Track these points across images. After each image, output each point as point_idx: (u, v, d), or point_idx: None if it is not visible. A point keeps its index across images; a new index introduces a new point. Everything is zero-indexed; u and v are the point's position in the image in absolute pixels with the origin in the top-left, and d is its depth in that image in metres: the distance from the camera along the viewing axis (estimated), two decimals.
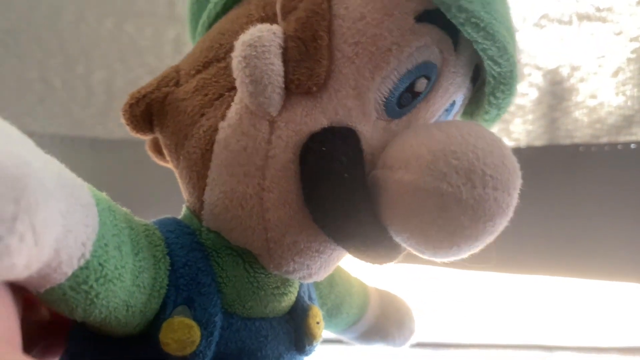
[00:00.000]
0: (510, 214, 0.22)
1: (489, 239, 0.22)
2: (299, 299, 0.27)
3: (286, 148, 0.22)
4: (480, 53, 0.23)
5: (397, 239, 0.23)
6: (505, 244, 0.54)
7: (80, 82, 0.57)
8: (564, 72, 0.50)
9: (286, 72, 0.22)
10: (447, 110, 0.26)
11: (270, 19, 0.24)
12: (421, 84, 0.23)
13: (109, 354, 0.22)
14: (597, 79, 0.49)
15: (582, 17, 0.48)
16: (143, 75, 0.56)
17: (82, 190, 0.18)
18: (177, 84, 0.25)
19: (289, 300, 0.26)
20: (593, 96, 0.49)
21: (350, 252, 0.24)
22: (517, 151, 0.51)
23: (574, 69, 0.50)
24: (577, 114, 0.50)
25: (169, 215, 0.26)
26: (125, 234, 0.21)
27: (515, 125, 0.52)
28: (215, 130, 0.23)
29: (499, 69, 0.24)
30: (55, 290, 0.17)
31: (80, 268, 0.18)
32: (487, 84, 0.25)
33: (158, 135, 0.26)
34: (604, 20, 0.48)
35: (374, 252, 0.24)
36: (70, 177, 0.18)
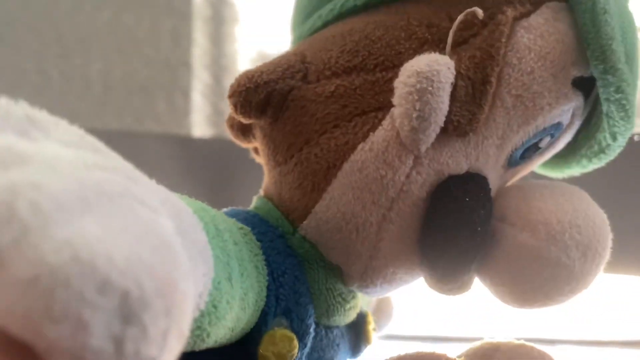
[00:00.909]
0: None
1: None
2: None
3: (422, 186, 0.22)
4: (605, 126, 0.24)
5: (486, 287, 0.24)
6: None
7: (77, 74, 0.56)
8: None
9: (448, 112, 0.21)
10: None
11: (435, 43, 0.23)
12: (545, 141, 0.24)
13: None
14: None
15: None
16: (140, 67, 0.56)
17: (197, 229, 0.17)
18: (305, 79, 0.24)
19: (357, 310, 0.27)
20: None
21: (431, 286, 0.24)
22: None
23: None
24: None
25: (239, 208, 0.25)
26: (232, 256, 0.19)
27: None
28: (353, 148, 0.22)
29: (611, 143, 0.25)
30: None
31: (194, 319, 0.16)
32: (588, 147, 0.26)
33: (264, 125, 0.25)
34: None
35: (454, 293, 0.24)
36: (187, 216, 0.16)
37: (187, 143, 0.54)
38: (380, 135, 0.22)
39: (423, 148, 0.21)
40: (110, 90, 0.56)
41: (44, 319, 0.10)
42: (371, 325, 0.28)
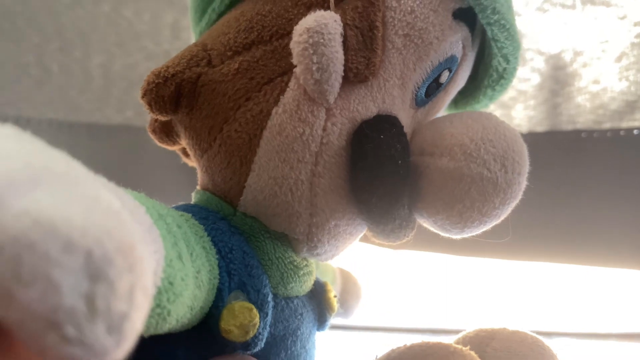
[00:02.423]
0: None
1: (505, 216, 0.25)
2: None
3: (340, 135, 0.23)
4: (496, 50, 0.26)
5: (427, 221, 0.25)
6: (506, 230, 0.54)
7: (78, 67, 0.56)
8: (567, 57, 0.49)
9: (345, 61, 0.23)
10: None
11: (320, 4, 0.24)
12: (444, 76, 0.26)
13: (151, 354, 0.21)
14: (600, 64, 0.49)
15: (586, 1, 0.48)
16: (141, 60, 0.56)
17: (141, 211, 0.17)
18: (210, 64, 0.25)
19: (313, 277, 0.27)
20: (596, 81, 0.49)
21: (374, 233, 0.25)
22: None
23: (577, 53, 0.49)
24: (580, 99, 0.49)
25: (181, 203, 0.26)
26: (179, 237, 0.20)
27: (517, 111, 0.52)
28: (268, 115, 0.23)
29: (506, 65, 0.27)
30: None
31: (153, 296, 0.16)
32: (488, 77, 0.28)
33: (182, 117, 0.25)
34: (607, 4, 0.47)
35: (398, 234, 0.25)
36: (126, 198, 0.16)
37: None
38: (289, 96, 0.23)
39: (331, 98, 0.23)
40: (111, 83, 0.57)
41: (14, 284, 0.10)
42: (332, 293, 0.29)
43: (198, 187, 0.27)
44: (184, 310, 0.19)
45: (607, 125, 0.49)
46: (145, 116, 0.26)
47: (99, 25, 0.56)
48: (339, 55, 0.22)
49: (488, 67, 0.28)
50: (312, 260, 0.27)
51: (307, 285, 0.27)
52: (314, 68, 0.22)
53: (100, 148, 0.57)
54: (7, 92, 0.57)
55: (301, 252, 0.25)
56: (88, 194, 0.12)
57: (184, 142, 0.27)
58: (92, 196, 0.12)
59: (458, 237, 0.25)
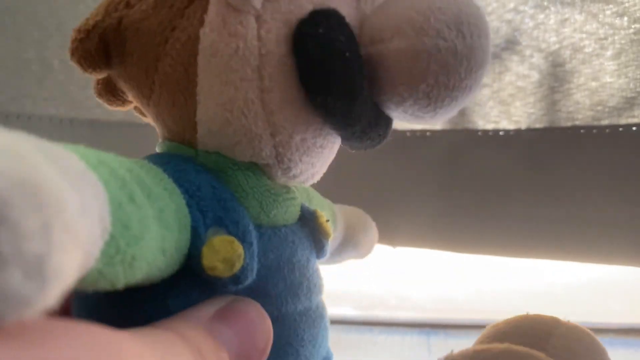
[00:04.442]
0: (490, 60, 0.22)
1: (479, 88, 0.23)
2: (302, 204, 0.27)
3: (278, 41, 0.21)
4: None
5: (396, 113, 0.23)
6: (505, 226, 0.54)
7: None
8: (566, 53, 0.50)
9: None
10: None
11: None
12: None
13: (141, 308, 0.21)
14: (599, 60, 0.49)
15: None
16: None
17: (71, 158, 0.16)
18: (128, 5, 0.24)
19: (298, 204, 0.26)
20: (595, 78, 0.49)
21: (347, 140, 0.24)
22: (518, 133, 0.51)
23: (576, 50, 0.49)
24: (579, 96, 0.50)
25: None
26: (128, 180, 0.18)
27: (516, 108, 0.52)
28: (196, 39, 0.22)
29: None
30: (90, 275, 0.15)
31: (107, 242, 0.16)
32: None
33: (117, 69, 0.24)
34: (606, 1, 0.47)
35: (371, 136, 0.24)
36: (52, 148, 0.15)
37: None
38: (212, 12, 0.22)
39: (256, 2, 0.21)
40: None
41: None
42: (323, 219, 0.27)
43: (159, 141, 0.26)
44: (152, 253, 0.18)
45: (605, 122, 0.49)
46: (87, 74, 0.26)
47: None
48: None
49: None
50: (295, 188, 0.26)
51: (292, 211, 0.26)
52: None
53: (101, 144, 0.56)
54: (8, 88, 0.57)
55: (277, 177, 0.24)
56: None
57: (130, 97, 0.26)
58: None
59: (434, 122, 0.23)
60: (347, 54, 0.21)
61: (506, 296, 0.69)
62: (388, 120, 0.24)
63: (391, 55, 0.22)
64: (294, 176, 0.24)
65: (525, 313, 0.31)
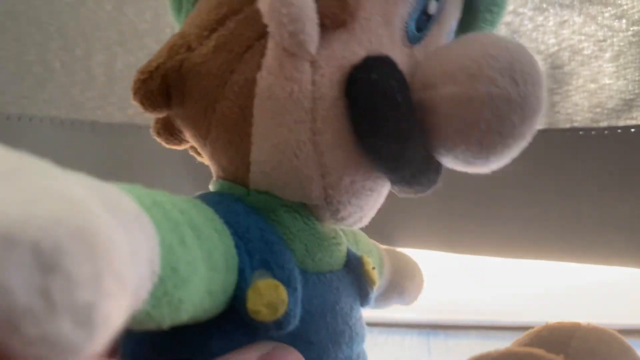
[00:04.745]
0: (543, 108, 0.22)
1: (531, 135, 0.22)
2: (348, 250, 0.27)
3: (331, 86, 0.22)
4: None
5: (447, 158, 0.23)
6: (504, 227, 0.54)
7: (80, 65, 0.56)
8: (565, 55, 0.50)
9: (318, 8, 0.21)
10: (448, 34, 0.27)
11: None
12: (432, 6, 0.24)
13: (185, 348, 0.21)
14: (597, 62, 0.49)
15: (584, 0, 0.48)
16: (143, 59, 0.56)
17: (125, 200, 0.16)
18: (190, 49, 0.24)
19: (344, 249, 0.26)
20: (593, 80, 0.49)
21: (396, 184, 0.24)
22: None
23: (575, 52, 0.49)
24: (577, 97, 0.50)
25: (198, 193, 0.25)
26: (180, 222, 0.19)
27: None
28: (254, 82, 0.22)
29: None
30: (137, 317, 0.16)
31: (155, 285, 0.16)
32: (481, 1, 0.26)
33: (176, 109, 0.25)
34: (605, 3, 0.47)
35: (421, 181, 0.24)
36: (107, 189, 0.15)
37: None
38: (270, 57, 0.22)
39: (311, 48, 0.21)
40: (113, 81, 0.57)
41: None
42: (370, 266, 0.27)
43: (213, 179, 0.26)
44: (199, 295, 0.18)
45: (604, 124, 0.49)
46: (147, 115, 0.27)
47: (101, 24, 0.56)
48: (308, 2, 0.21)
49: None
50: (342, 233, 0.26)
51: (338, 256, 0.26)
52: (285, 20, 0.20)
53: (102, 146, 0.57)
54: (9, 90, 0.57)
55: (325, 219, 0.24)
56: (38, 186, 0.11)
57: (188, 137, 0.27)
58: (42, 187, 0.11)
59: (486, 169, 0.23)
60: (399, 98, 0.22)
61: (506, 297, 0.69)
62: (438, 166, 0.24)
63: (444, 101, 0.22)
64: (342, 218, 0.24)
65: (544, 323, 0.31)
